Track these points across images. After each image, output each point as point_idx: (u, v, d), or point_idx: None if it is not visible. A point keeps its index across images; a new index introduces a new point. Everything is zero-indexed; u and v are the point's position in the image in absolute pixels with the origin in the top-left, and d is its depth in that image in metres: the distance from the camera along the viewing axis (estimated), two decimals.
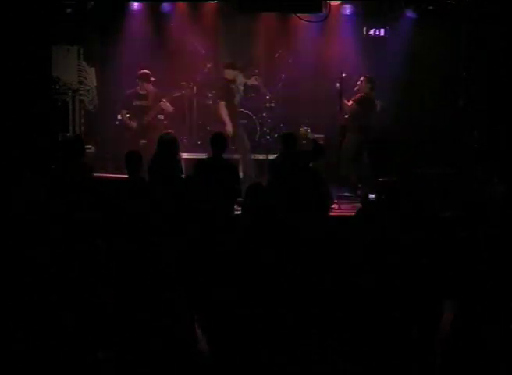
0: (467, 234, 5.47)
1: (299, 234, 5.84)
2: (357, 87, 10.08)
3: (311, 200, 6.83)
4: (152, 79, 10.17)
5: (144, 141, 9.97)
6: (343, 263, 5.19)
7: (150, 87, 10.20)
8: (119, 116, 10.43)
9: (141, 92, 10.16)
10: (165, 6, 11.05)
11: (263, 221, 5.48)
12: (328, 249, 5.40)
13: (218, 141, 7.69)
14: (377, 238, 5.30)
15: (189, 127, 11.16)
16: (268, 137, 11.05)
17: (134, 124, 10.11)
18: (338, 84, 9.54)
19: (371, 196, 8.84)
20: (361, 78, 10.09)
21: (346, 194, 9.71)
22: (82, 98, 10.73)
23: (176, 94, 10.68)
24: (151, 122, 10.15)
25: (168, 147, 7.75)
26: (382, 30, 10.84)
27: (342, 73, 9.51)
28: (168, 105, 10.19)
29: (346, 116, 10.09)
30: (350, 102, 10.05)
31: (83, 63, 10.79)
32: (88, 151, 9.70)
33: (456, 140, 9.98)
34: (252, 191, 5.85)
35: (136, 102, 10.17)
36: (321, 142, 10.57)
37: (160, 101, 10.11)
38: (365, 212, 6.04)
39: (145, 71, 10.15)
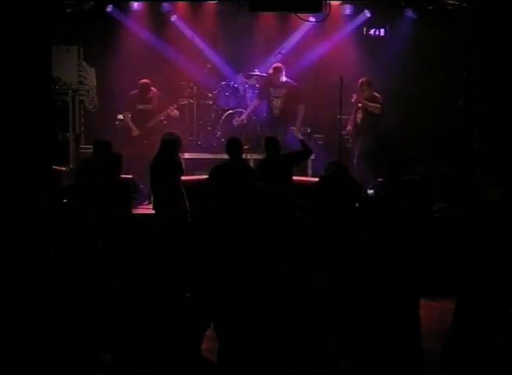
0: (467, 234, 5.48)
1: (299, 234, 5.85)
2: (365, 91, 10.05)
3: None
4: (152, 88, 10.06)
5: (145, 142, 9.94)
6: (343, 263, 5.19)
7: (153, 90, 10.10)
8: (120, 116, 10.41)
9: (145, 96, 9.99)
10: (165, 6, 11.04)
11: (262, 221, 5.49)
12: (328, 249, 5.40)
13: (237, 145, 7.78)
14: (376, 238, 5.30)
15: (189, 127, 11.14)
16: None
17: (136, 129, 10.00)
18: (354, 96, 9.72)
19: (370, 192, 8.87)
20: (363, 86, 10.01)
21: None
22: (82, 98, 10.72)
23: (183, 102, 10.63)
24: (154, 125, 10.06)
25: (170, 147, 7.77)
26: (382, 30, 10.84)
27: (340, 76, 9.56)
28: (176, 111, 10.13)
29: (347, 124, 10.13)
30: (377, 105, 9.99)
31: (83, 63, 10.78)
32: (88, 151, 9.70)
33: (456, 140, 9.98)
34: (251, 193, 5.86)
35: (140, 106, 10.04)
36: (321, 142, 10.61)
37: (168, 108, 10.02)
38: (365, 211, 6.05)
39: (145, 81, 10.02)
